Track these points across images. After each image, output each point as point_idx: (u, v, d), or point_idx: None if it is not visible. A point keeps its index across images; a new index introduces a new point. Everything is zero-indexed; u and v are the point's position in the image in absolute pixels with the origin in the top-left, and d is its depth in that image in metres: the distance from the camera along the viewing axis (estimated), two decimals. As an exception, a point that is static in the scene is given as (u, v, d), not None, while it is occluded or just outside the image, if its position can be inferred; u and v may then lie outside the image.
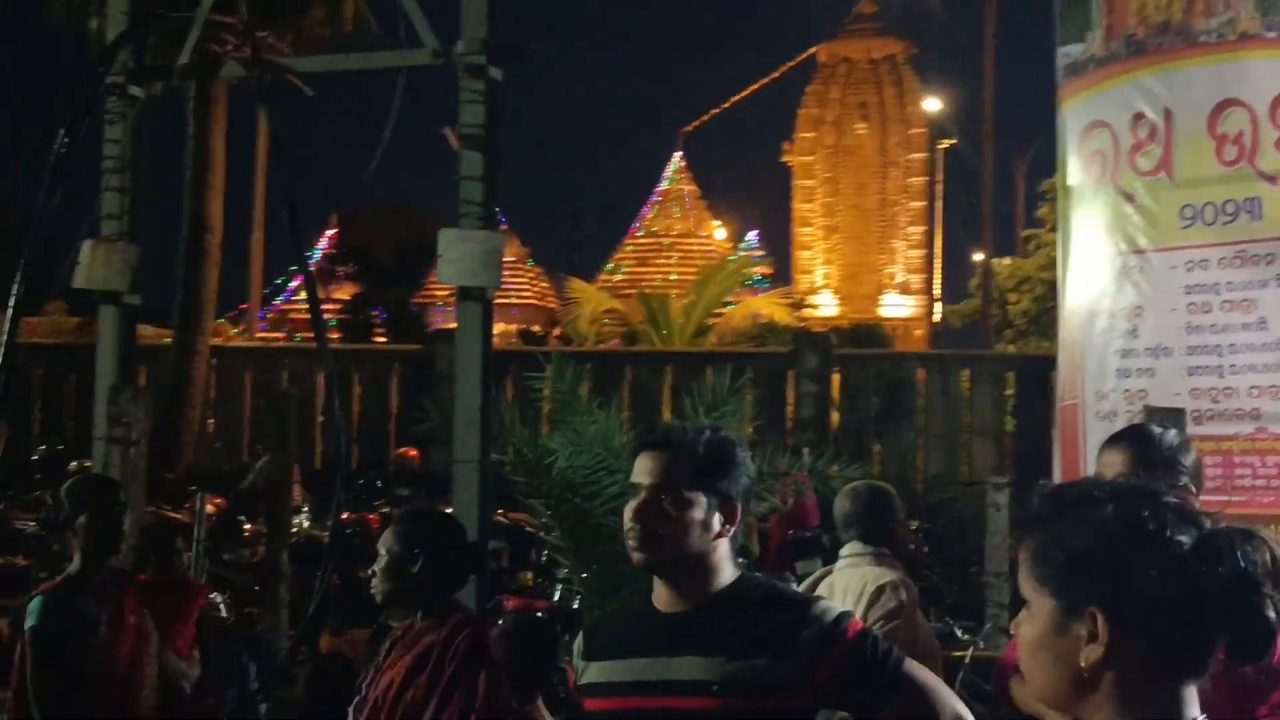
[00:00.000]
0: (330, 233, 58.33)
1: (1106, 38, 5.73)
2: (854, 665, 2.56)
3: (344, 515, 13.89)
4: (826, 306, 56.70)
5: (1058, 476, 5.96)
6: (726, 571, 2.71)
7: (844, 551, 4.64)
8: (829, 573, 4.67)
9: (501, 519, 14.26)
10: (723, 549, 2.69)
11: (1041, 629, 1.58)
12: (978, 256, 47.06)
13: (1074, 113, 5.89)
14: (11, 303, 6.26)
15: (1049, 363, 18.27)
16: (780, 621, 2.59)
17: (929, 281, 59.37)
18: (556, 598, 9.93)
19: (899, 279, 59.39)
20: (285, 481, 10.33)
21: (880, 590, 4.35)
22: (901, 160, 58.07)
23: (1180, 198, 5.47)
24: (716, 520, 2.67)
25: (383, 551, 4.03)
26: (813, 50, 59.21)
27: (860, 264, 59.01)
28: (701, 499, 2.65)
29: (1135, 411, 5.64)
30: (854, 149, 58.22)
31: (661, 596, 2.69)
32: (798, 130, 59.01)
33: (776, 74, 62.77)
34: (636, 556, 2.66)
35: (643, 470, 2.67)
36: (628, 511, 2.67)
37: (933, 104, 43.46)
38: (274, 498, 10.39)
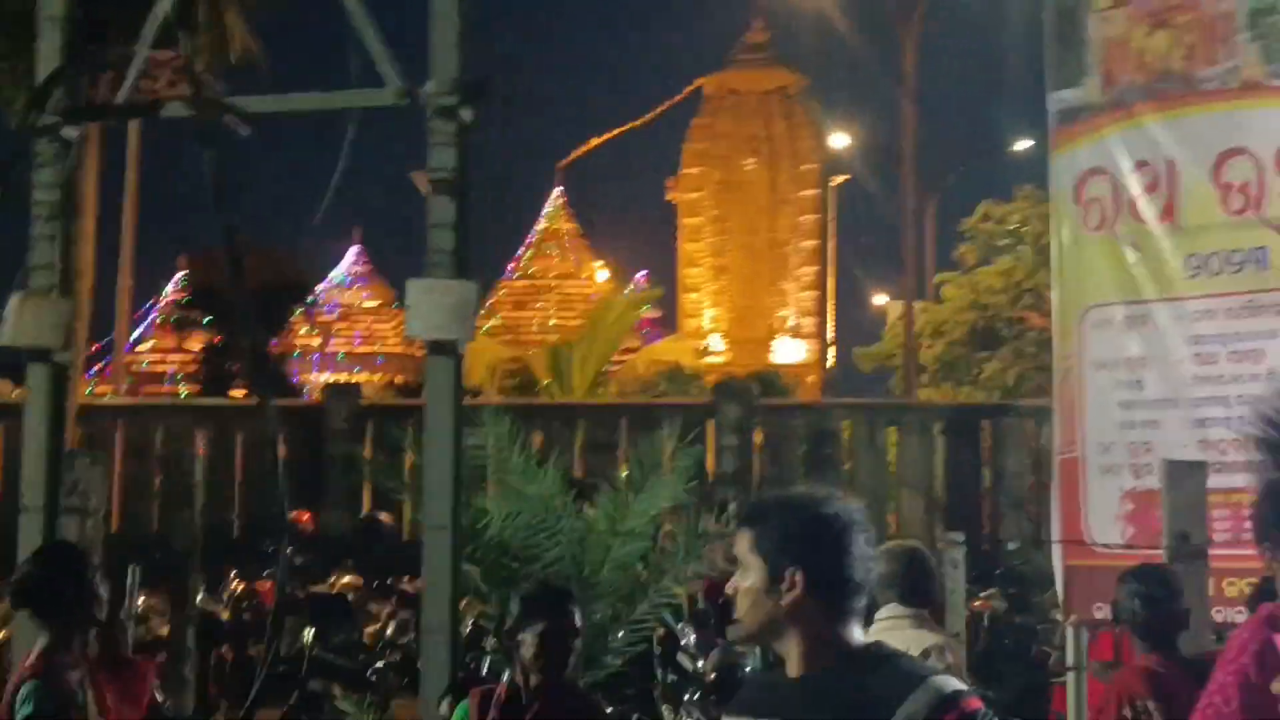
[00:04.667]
0: (178, 275, 57.38)
1: (1104, 84, 6.04)
2: None
3: (247, 587, 13.71)
4: (715, 353, 57.13)
5: (1056, 529, 6.21)
6: (846, 638, 2.87)
7: (881, 614, 4.76)
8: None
9: (407, 588, 14.20)
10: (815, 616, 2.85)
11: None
12: (879, 299, 48.02)
13: (1069, 159, 6.18)
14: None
15: (979, 412, 18.86)
16: (894, 693, 2.75)
17: (822, 325, 60.23)
18: (484, 670, 9.92)
19: (791, 322, 60.13)
20: (192, 553, 10.21)
21: (926, 655, 4.51)
22: (792, 197, 58.95)
23: (1185, 247, 5.78)
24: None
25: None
26: (699, 82, 60.01)
27: (750, 307, 59.59)
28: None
29: (1141, 465, 5.92)
30: (743, 185, 58.93)
31: (789, 659, 2.87)
32: (683, 165, 59.64)
33: (661, 108, 63.51)
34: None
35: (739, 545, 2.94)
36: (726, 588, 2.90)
37: (829, 139, 44.34)
38: (177, 571, 10.25)
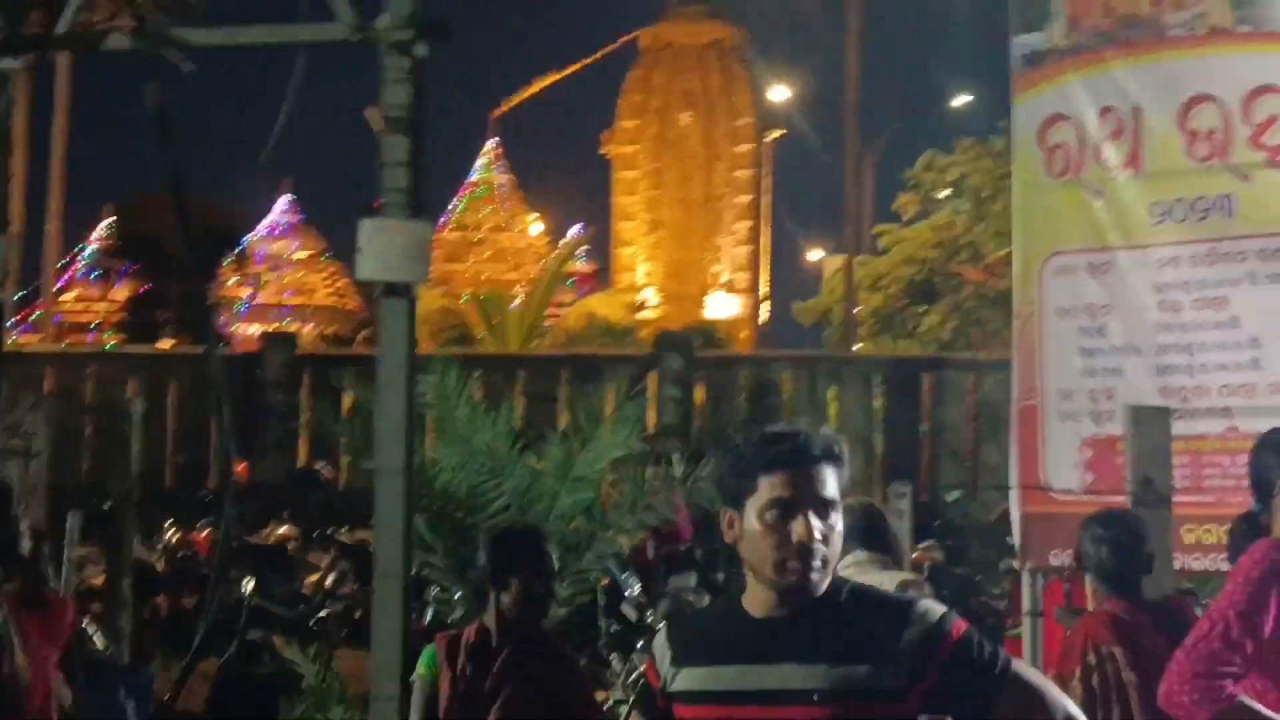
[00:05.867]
0: (105, 223, 56.42)
1: (1069, 28, 5.97)
2: (960, 667, 2.65)
3: (182, 537, 13.53)
4: (649, 307, 57.02)
5: (1014, 476, 6.19)
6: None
7: (846, 560, 4.76)
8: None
9: (345, 539, 14.07)
10: None
11: None
12: (813, 254, 48.09)
13: (1032, 105, 6.13)
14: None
15: (919, 364, 18.94)
16: (881, 625, 2.68)
17: (755, 280, 60.31)
18: (428, 619, 9.85)
19: (725, 277, 60.13)
20: (129, 501, 9.98)
21: (905, 586, 4.50)
22: (728, 152, 58.80)
23: (1150, 194, 5.75)
24: None
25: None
26: (635, 34, 59.63)
27: (684, 261, 59.48)
28: None
29: (1102, 411, 5.91)
30: (678, 140, 58.71)
31: (756, 601, 2.75)
32: (619, 119, 59.31)
33: (595, 56, 63.04)
34: (816, 582, 2.70)
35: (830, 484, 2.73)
36: (815, 531, 2.68)
37: (768, 93, 44.27)
38: (117, 519, 10.01)
